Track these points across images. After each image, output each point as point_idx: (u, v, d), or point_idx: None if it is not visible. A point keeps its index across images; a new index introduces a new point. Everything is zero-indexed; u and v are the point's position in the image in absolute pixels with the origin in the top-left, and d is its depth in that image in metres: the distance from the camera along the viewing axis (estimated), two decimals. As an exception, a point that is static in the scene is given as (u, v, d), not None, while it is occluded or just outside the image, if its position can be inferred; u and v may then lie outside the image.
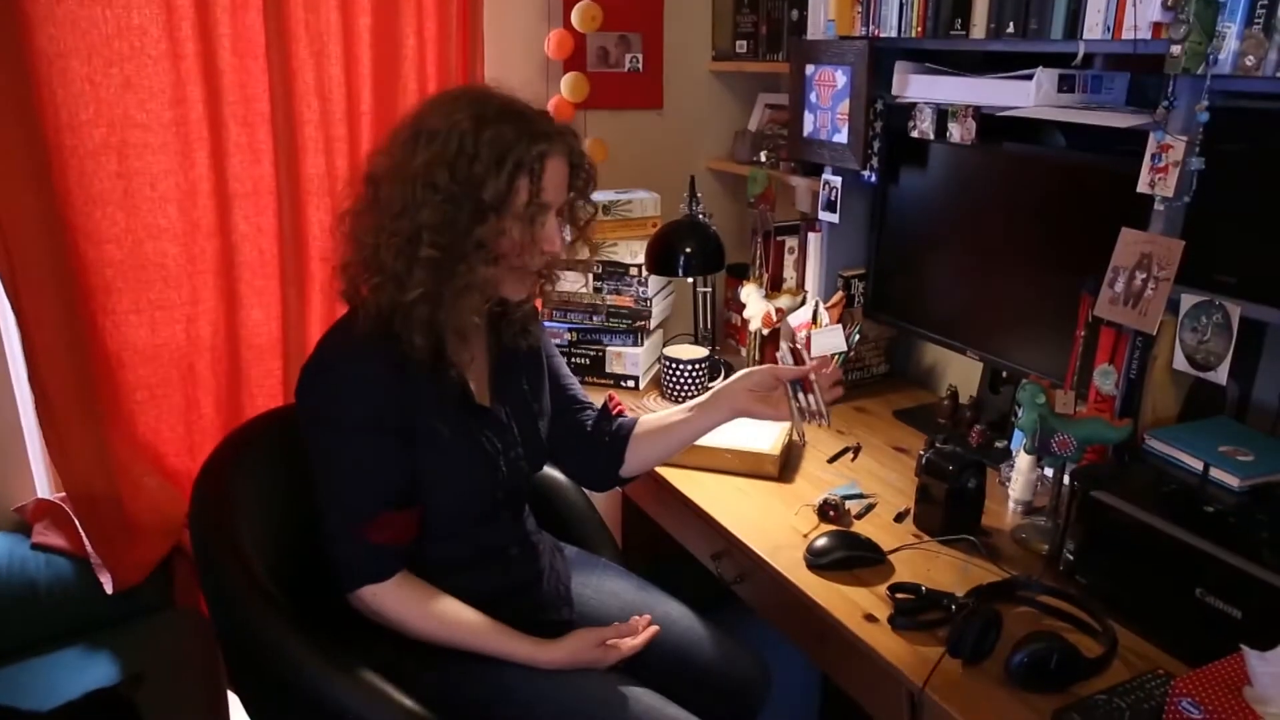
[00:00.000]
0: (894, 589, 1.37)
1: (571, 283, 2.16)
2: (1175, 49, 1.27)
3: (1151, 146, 1.36)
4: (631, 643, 1.40)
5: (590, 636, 1.38)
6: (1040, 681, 1.16)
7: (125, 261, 1.93)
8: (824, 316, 2.05)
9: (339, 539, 1.30)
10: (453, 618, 1.33)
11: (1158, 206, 1.38)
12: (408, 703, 1.25)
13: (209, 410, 2.12)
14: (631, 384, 2.18)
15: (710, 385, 2.14)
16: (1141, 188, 1.39)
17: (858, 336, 2.05)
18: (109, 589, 1.89)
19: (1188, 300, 1.38)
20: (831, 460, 1.82)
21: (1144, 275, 1.40)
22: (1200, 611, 1.18)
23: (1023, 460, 1.61)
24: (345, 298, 1.34)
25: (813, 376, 1.46)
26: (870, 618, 1.33)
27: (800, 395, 1.45)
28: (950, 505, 1.50)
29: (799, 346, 1.54)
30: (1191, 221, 1.38)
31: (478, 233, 1.25)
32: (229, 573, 1.35)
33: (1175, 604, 1.22)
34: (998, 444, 1.85)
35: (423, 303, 1.26)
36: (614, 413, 1.58)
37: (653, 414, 1.58)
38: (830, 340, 2.03)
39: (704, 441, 1.61)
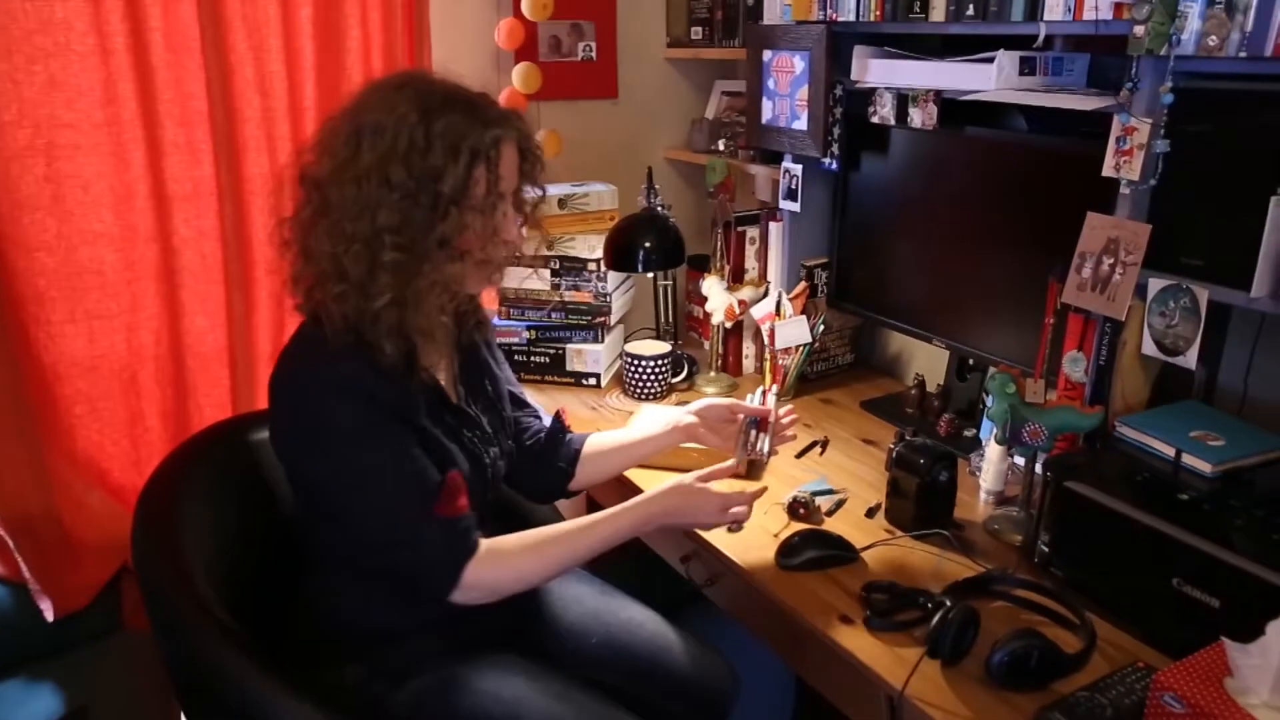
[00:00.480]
0: (868, 588, 1.34)
1: (528, 279, 2.11)
2: (1138, 29, 1.25)
3: (1116, 129, 1.34)
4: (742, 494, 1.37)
5: (687, 481, 1.35)
6: (1021, 680, 1.14)
7: (58, 269, 1.84)
8: (788, 308, 2.02)
9: (410, 540, 1.21)
10: (554, 540, 1.28)
11: (1123, 190, 1.36)
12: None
13: (154, 423, 2.03)
14: (593, 382, 2.14)
15: (673, 382, 2.10)
16: (1107, 171, 1.36)
17: (822, 327, 2.02)
18: (50, 616, 1.80)
19: (1155, 284, 1.36)
20: (799, 455, 1.79)
21: (1111, 260, 1.38)
22: (1178, 601, 1.17)
23: (993, 450, 1.59)
24: (302, 310, 1.27)
25: (771, 419, 1.50)
26: (845, 619, 1.30)
27: (753, 433, 1.50)
28: (922, 500, 1.47)
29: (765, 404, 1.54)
30: (1157, 204, 1.36)
31: (440, 229, 1.20)
32: (177, 600, 1.27)
33: (1152, 594, 1.20)
34: (966, 433, 1.83)
35: (391, 308, 1.20)
36: (565, 429, 1.56)
37: (602, 433, 1.58)
38: (794, 332, 2.00)
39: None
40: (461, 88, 1.24)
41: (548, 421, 1.58)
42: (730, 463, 1.42)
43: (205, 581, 1.30)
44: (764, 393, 1.59)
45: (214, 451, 1.49)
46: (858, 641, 1.26)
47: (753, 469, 1.71)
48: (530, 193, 1.33)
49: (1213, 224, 1.30)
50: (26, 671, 1.74)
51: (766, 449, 1.48)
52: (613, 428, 1.90)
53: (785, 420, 1.53)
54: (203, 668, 1.23)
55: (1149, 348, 1.39)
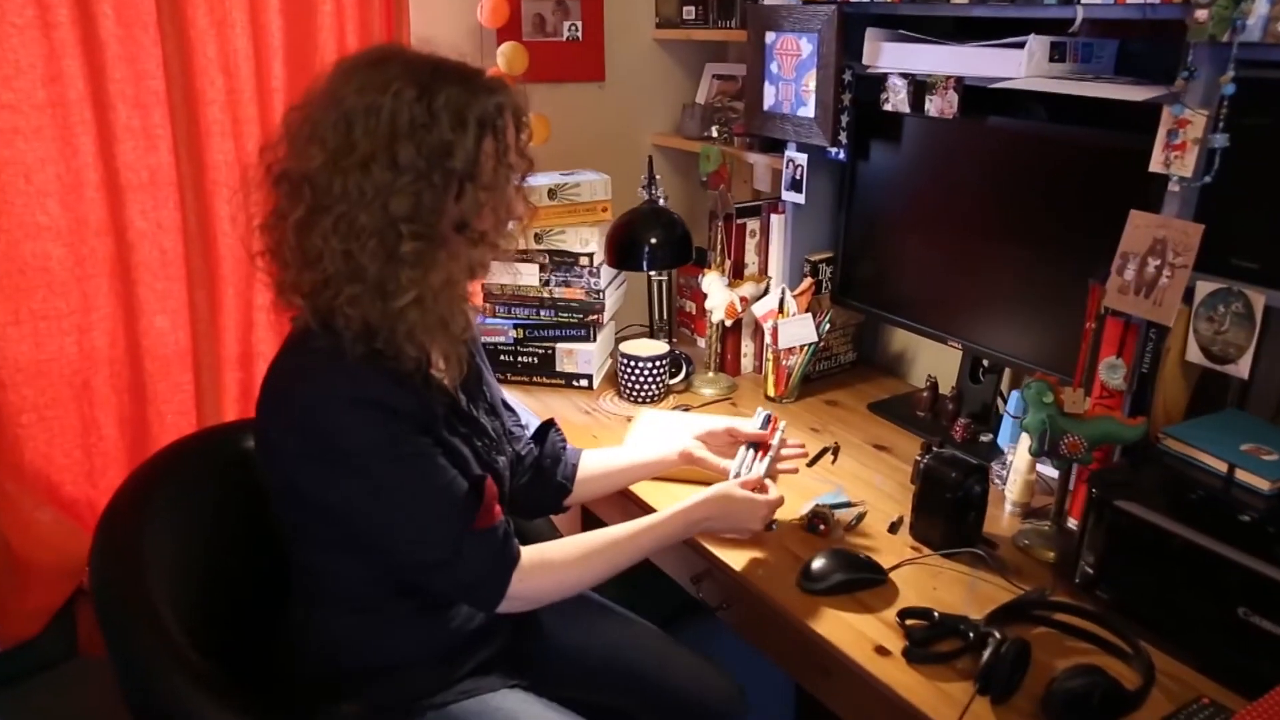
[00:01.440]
0: (904, 614, 1.25)
1: (516, 275, 1.98)
2: (1201, 14, 1.15)
3: (1167, 122, 1.24)
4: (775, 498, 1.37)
5: (731, 491, 1.33)
6: (1080, 719, 1.05)
7: (-1, 266, 1.67)
8: (791, 305, 1.91)
9: (452, 559, 1.13)
10: (599, 550, 1.23)
11: (1172, 187, 1.27)
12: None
13: (111, 431, 1.88)
14: (584, 383, 2.02)
15: (671, 383, 1.99)
16: (1155, 166, 1.27)
17: (828, 325, 1.92)
18: (-1, 645, 1.65)
19: (1204, 288, 1.28)
20: (811, 464, 1.69)
21: (1157, 262, 1.29)
22: (1244, 632, 1.09)
23: (1020, 460, 1.50)
24: (303, 321, 1.13)
25: (772, 441, 1.48)
26: (882, 650, 1.21)
27: (750, 454, 1.47)
28: (952, 515, 1.38)
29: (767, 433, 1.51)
30: (1206, 202, 1.27)
31: (456, 210, 1.10)
32: (140, 636, 1.14)
33: (1213, 623, 1.13)
34: (983, 438, 1.75)
35: (414, 306, 1.10)
36: (564, 441, 1.50)
37: (600, 451, 1.53)
38: (800, 331, 1.90)
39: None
40: (445, 58, 1.13)
41: (533, 426, 1.50)
42: (760, 469, 1.40)
43: (173, 615, 1.17)
44: (773, 421, 1.53)
45: (184, 468, 1.36)
46: (898, 676, 1.16)
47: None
48: (525, 164, 1.21)
49: (1272, 225, 1.22)
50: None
51: (762, 472, 1.42)
52: (608, 433, 1.80)
53: (789, 454, 1.51)
54: (169, 712, 1.11)
55: (1194, 354, 1.30)
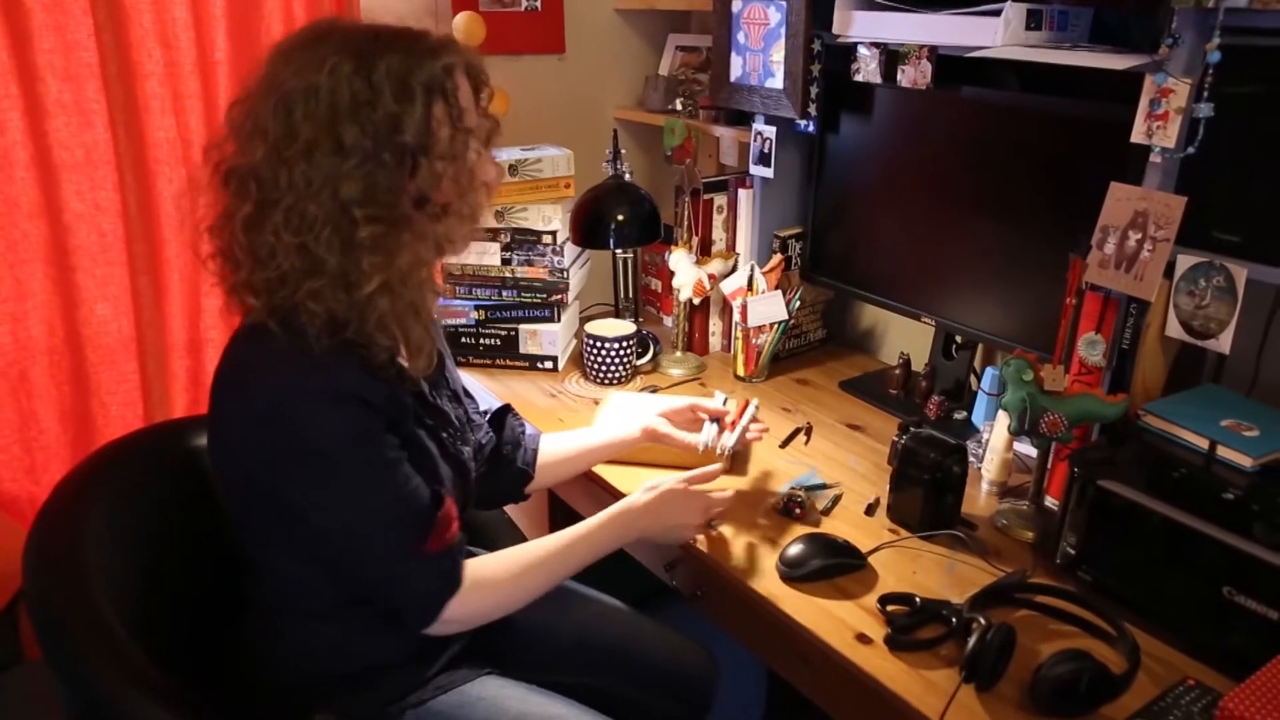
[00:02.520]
0: (884, 600, 1.22)
1: (481, 254, 1.91)
2: (1185, -22, 1.12)
3: (1149, 91, 1.21)
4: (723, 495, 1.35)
5: (671, 486, 1.30)
6: (1068, 705, 1.03)
7: (-78, 252, 1.57)
8: (761, 282, 1.87)
9: (397, 577, 1.08)
10: (534, 566, 1.19)
11: (1154, 158, 1.24)
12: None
13: (52, 425, 1.79)
14: (549, 365, 1.96)
15: (638, 364, 1.94)
16: (1136, 137, 1.24)
17: (798, 303, 1.88)
18: (-64, 653, 1.57)
19: (1184, 261, 1.25)
20: (784, 444, 1.66)
21: (1138, 235, 1.26)
22: (1229, 612, 1.07)
23: (998, 438, 1.48)
24: (259, 318, 1.06)
25: (727, 419, 1.48)
26: (863, 638, 1.17)
27: (715, 428, 1.47)
28: (931, 496, 1.35)
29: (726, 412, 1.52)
30: (1188, 174, 1.24)
31: (413, 186, 1.04)
32: (85, 649, 1.07)
33: (1198, 603, 1.11)
34: (956, 415, 1.72)
35: (382, 292, 1.03)
36: (523, 426, 1.46)
37: (560, 434, 1.50)
38: (769, 308, 1.86)
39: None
40: (385, 25, 1.06)
41: (493, 406, 1.46)
42: (716, 467, 1.38)
43: (120, 622, 1.10)
44: (745, 402, 1.52)
45: (130, 466, 1.28)
46: (880, 664, 1.13)
47: (737, 462, 1.57)
48: (489, 124, 1.14)
49: (1255, 197, 1.19)
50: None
51: (730, 444, 1.44)
52: (575, 416, 1.75)
53: (754, 429, 1.50)
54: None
55: (1174, 330, 1.28)
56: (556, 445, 1.47)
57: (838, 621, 1.21)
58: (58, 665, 1.09)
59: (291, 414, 1.03)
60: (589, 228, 1.73)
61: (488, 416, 1.44)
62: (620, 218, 1.71)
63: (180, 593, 1.24)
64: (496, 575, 1.16)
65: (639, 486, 1.34)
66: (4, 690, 1.61)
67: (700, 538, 1.36)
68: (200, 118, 1.71)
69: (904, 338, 1.96)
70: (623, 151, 1.83)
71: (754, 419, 1.50)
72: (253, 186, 1.01)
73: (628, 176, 1.82)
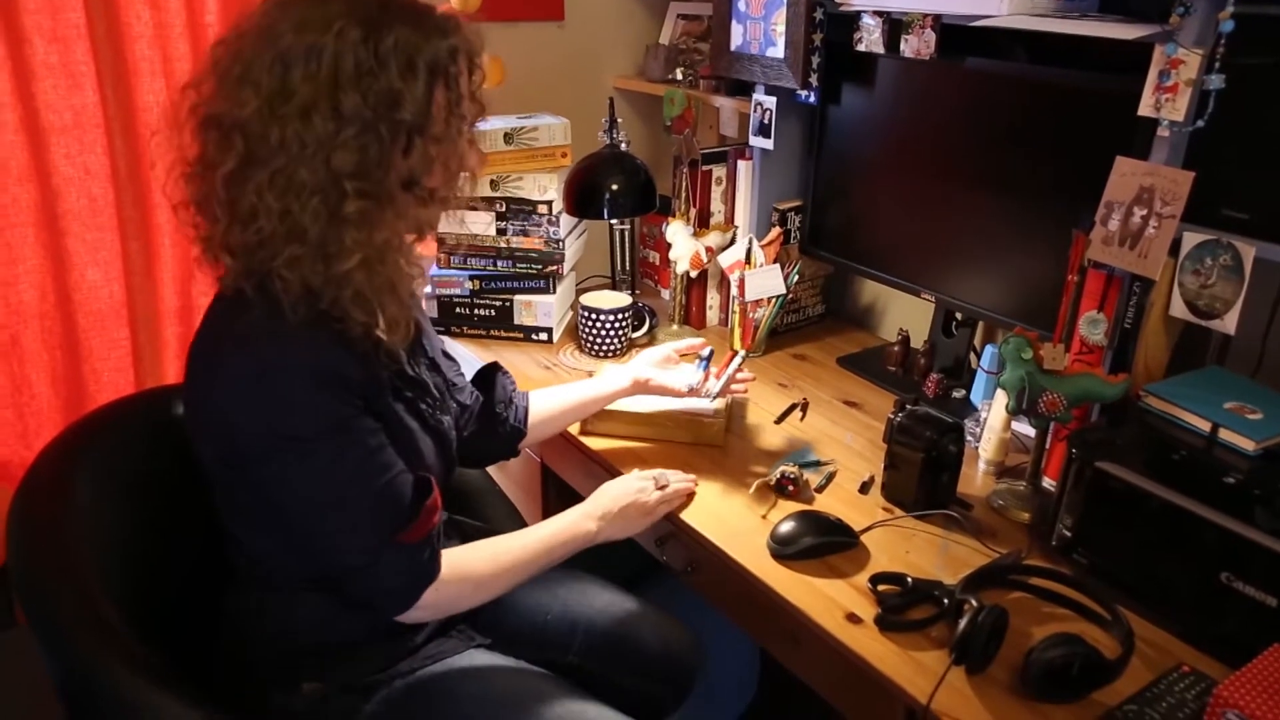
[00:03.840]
0: (876, 580, 1.20)
1: (471, 225, 1.88)
2: (1199, -55, 1.08)
3: (1159, 62, 1.18)
4: (679, 487, 1.38)
5: (622, 485, 1.33)
6: (1059, 691, 1.02)
7: (-90, 216, 1.55)
8: (759, 255, 1.84)
9: (372, 566, 1.07)
10: (511, 567, 1.20)
11: (1161, 132, 1.21)
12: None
13: (44, 390, 1.78)
14: (544, 337, 1.94)
15: (634, 337, 1.92)
16: (1144, 110, 1.21)
17: (796, 277, 1.85)
18: (-74, 618, 1.56)
19: (1190, 239, 1.22)
20: (779, 421, 1.64)
21: (1143, 212, 1.23)
22: (1226, 598, 1.05)
23: (995, 418, 1.46)
24: (231, 281, 1.04)
25: (712, 369, 1.52)
26: (853, 618, 1.16)
27: (703, 375, 1.51)
28: (926, 476, 1.33)
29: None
30: (1196, 148, 1.21)
31: (404, 165, 1.02)
32: (69, 621, 1.06)
33: (1195, 588, 1.09)
34: (955, 393, 1.70)
35: (361, 269, 1.01)
36: (513, 384, 1.46)
37: (549, 390, 1.51)
38: (767, 282, 1.83)
39: (639, 407, 1.56)
40: None
41: (472, 371, 1.45)
42: (689, 480, 1.41)
43: (104, 593, 1.09)
44: (732, 353, 1.56)
45: (116, 433, 1.27)
46: (870, 645, 1.12)
47: (730, 434, 1.56)
48: (478, 109, 1.12)
49: (1262, 172, 1.16)
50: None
51: (715, 390, 1.50)
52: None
53: (740, 378, 1.55)
54: (105, 704, 1.03)
55: (1179, 309, 1.25)
56: (547, 400, 1.48)
57: (828, 600, 1.19)
58: (39, 633, 1.08)
59: (269, 394, 1.00)
60: (583, 197, 1.70)
61: (475, 375, 1.43)
62: (615, 187, 1.68)
63: (167, 562, 1.23)
64: (473, 569, 1.16)
65: (638, 466, 1.40)
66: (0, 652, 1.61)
67: (699, 512, 1.38)
68: (174, 94, 1.67)
69: (904, 314, 1.93)
70: (619, 120, 1.80)
71: (739, 369, 1.53)
72: (239, 140, 0.98)
73: (624, 146, 1.79)
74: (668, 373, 1.53)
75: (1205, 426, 1.19)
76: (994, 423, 1.46)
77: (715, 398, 1.51)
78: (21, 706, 1.48)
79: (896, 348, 1.81)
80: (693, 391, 1.49)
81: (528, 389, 1.67)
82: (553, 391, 1.50)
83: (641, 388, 1.50)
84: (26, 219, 1.64)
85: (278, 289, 1.01)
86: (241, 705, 1.13)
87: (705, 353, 1.55)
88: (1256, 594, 1.03)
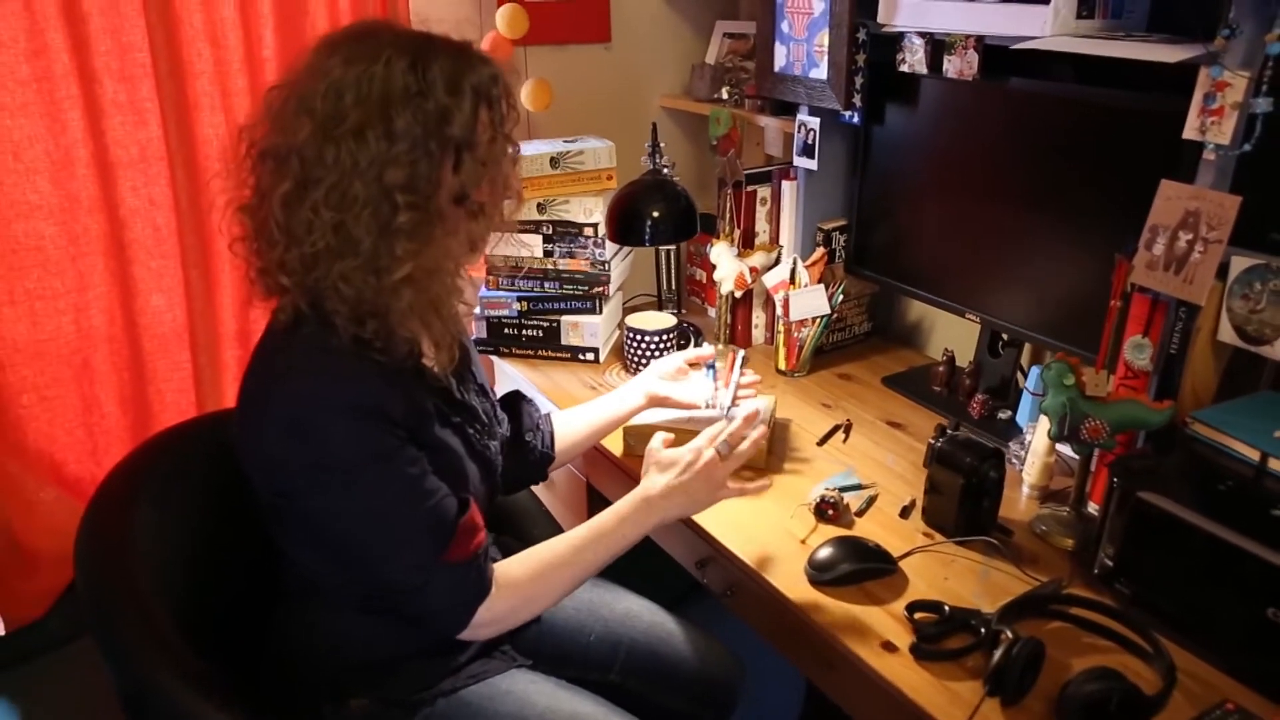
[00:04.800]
0: (912, 608, 1.20)
1: (520, 246, 1.92)
2: (1242, -34, 1.06)
3: (1204, 84, 1.16)
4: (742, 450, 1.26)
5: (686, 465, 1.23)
6: (1096, 726, 1.01)
7: (-9, 246, 1.64)
8: (803, 276, 1.84)
9: (423, 587, 1.09)
10: (560, 565, 1.18)
11: (1207, 155, 1.19)
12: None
13: (113, 409, 1.86)
14: (590, 357, 1.96)
15: (679, 356, 1.93)
16: (1189, 133, 1.19)
17: (841, 297, 1.85)
18: (1, 629, 1.65)
19: (1239, 263, 1.20)
20: (821, 443, 1.64)
21: (1189, 236, 1.21)
22: (1272, 634, 1.03)
23: (1039, 442, 1.44)
24: (288, 310, 1.08)
25: (718, 367, 1.51)
26: (889, 646, 1.16)
27: (713, 386, 1.51)
28: (966, 501, 1.32)
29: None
30: (1243, 171, 1.18)
31: (454, 181, 1.06)
32: (128, 632, 1.11)
33: (1240, 623, 1.07)
34: (1000, 415, 1.68)
35: (407, 284, 1.05)
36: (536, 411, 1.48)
37: (569, 412, 1.53)
38: (812, 302, 1.83)
39: (654, 419, 1.55)
40: (432, 33, 1.08)
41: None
42: (718, 424, 1.31)
43: (164, 610, 1.14)
44: (733, 355, 1.56)
45: (178, 455, 1.32)
46: (904, 674, 1.12)
47: (772, 455, 1.56)
48: (515, 145, 1.16)
49: (1314, 197, 1.13)
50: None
51: (726, 402, 1.48)
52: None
53: (745, 382, 1.53)
54: (161, 711, 1.09)
55: (1227, 334, 1.23)
56: (569, 424, 1.50)
57: (864, 628, 1.19)
58: (102, 646, 1.13)
59: (310, 428, 1.04)
60: (624, 224, 1.72)
61: (499, 402, 1.45)
62: (656, 214, 1.70)
63: (222, 579, 1.28)
64: (522, 577, 1.17)
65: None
66: (71, 661, 1.68)
67: (737, 539, 1.37)
68: (248, 114, 1.74)
69: (951, 333, 1.91)
70: (662, 145, 1.82)
71: (743, 372, 1.53)
72: (295, 163, 1.02)
73: (666, 171, 1.81)
74: (680, 385, 1.53)
75: (1254, 455, 1.16)
76: (1038, 447, 1.44)
77: (729, 409, 1.46)
78: (93, 711, 1.56)
79: (942, 368, 1.79)
80: (708, 405, 1.48)
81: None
82: (574, 413, 1.52)
83: (657, 402, 1.50)
84: (96, 248, 1.73)
85: (332, 306, 1.05)
86: (294, 717, 1.18)
87: (712, 361, 1.54)
88: (1304, 631, 1.00)
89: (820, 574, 1.27)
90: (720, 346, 1.57)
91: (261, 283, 1.10)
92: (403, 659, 1.20)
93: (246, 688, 1.14)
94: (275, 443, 1.06)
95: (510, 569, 1.17)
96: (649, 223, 1.69)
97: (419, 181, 1.03)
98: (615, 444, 1.61)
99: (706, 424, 1.49)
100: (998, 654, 1.05)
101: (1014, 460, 1.53)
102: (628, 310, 2.06)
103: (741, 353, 1.55)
